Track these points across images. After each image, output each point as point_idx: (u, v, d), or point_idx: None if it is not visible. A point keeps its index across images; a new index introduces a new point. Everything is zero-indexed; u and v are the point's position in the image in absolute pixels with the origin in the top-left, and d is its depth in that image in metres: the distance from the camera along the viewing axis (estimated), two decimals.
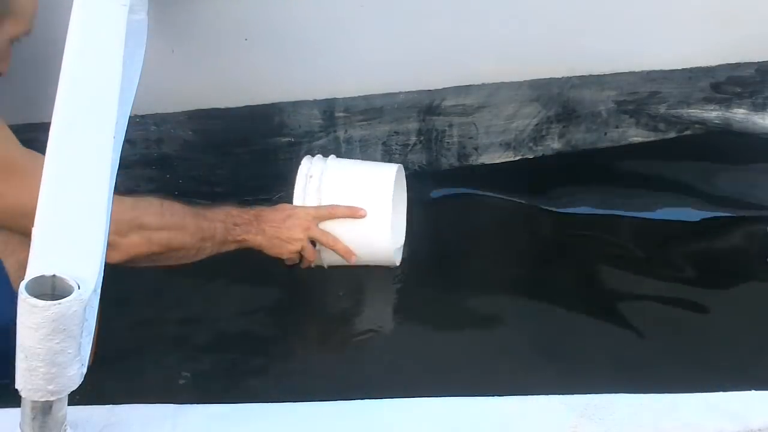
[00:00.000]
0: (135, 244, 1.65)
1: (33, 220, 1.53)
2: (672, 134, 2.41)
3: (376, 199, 1.87)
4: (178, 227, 1.72)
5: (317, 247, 1.88)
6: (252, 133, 2.11)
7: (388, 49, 2.02)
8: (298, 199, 1.89)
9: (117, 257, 1.64)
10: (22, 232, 1.59)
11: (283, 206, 1.88)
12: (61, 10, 1.43)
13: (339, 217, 1.87)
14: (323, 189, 1.88)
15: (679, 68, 2.28)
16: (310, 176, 1.90)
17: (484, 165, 2.32)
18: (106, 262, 1.62)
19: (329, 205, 1.88)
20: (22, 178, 1.56)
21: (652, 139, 2.40)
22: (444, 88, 2.17)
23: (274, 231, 1.83)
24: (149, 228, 1.67)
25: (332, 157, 1.98)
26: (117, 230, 1.61)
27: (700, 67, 2.30)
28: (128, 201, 1.65)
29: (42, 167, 1.49)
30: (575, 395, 1.34)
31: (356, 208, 1.87)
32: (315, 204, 1.88)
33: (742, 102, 2.39)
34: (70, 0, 1.42)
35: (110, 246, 1.58)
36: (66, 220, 1.17)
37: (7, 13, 1.62)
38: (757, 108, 2.39)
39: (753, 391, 1.38)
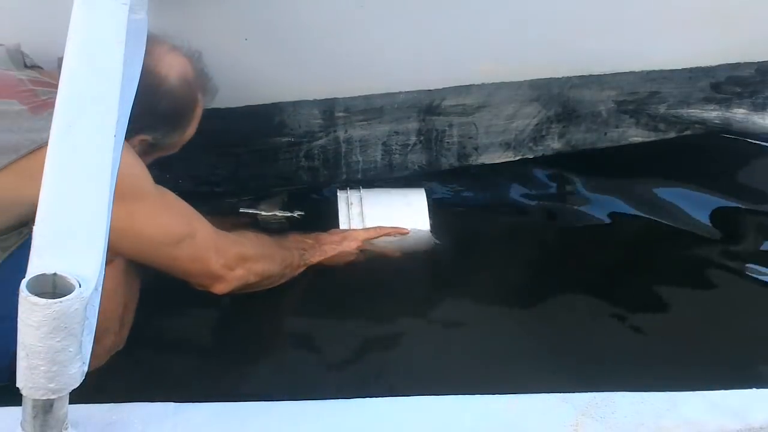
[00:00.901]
0: (239, 277, 1.79)
1: (156, 252, 1.69)
2: (672, 134, 2.41)
3: (413, 219, 2.12)
4: (269, 258, 1.87)
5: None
6: (252, 133, 2.11)
7: (388, 49, 2.02)
8: (343, 224, 2.11)
9: (223, 289, 1.78)
10: (143, 261, 1.72)
11: (336, 230, 2.09)
12: (61, 10, 1.43)
13: (386, 236, 2.11)
14: (365, 213, 2.12)
15: (679, 68, 2.28)
16: (351, 203, 2.13)
17: (484, 165, 2.32)
18: (210, 293, 1.77)
19: (377, 227, 2.11)
20: (151, 208, 1.66)
21: (652, 139, 2.40)
22: (444, 88, 2.16)
23: (334, 250, 2.04)
24: (250, 260, 1.81)
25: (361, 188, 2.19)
26: (226, 264, 1.76)
27: (700, 67, 2.30)
28: (231, 236, 1.81)
29: (171, 203, 1.69)
30: (577, 393, 1.34)
31: (400, 228, 2.12)
32: (359, 227, 2.10)
33: (742, 102, 2.38)
34: (70, 0, 1.42)
35: (219, 279, 1.76)
36: (67, 219, 1.17)
37: (168, 147, 1.83)
38: (757, 108, 2.39)
39: (754, 389, 1.38)
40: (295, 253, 1.96)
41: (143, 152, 1.80)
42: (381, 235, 2.10)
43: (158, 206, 1.68)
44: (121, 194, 1.61)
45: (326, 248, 2.03)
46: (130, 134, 1.73)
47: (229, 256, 1.77)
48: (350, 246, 2.06)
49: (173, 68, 1.76)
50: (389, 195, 2.19)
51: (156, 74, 1.73)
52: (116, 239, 1.63)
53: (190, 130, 1.85)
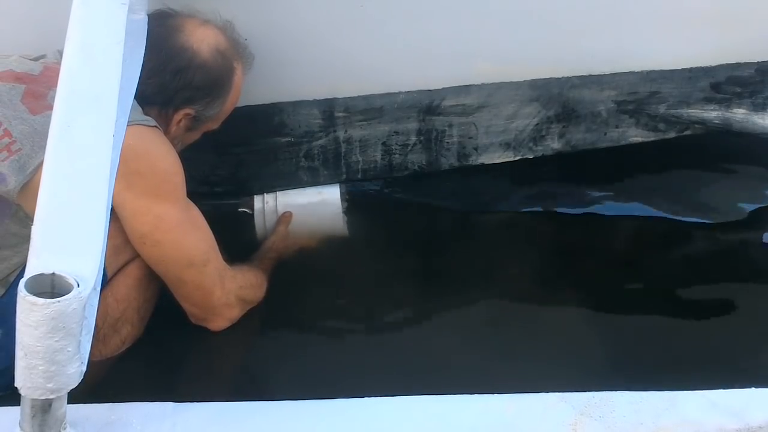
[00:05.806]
0: (235, 317, 1.85)
1: (167, 268, 1.72)
2: (672, 134, 2.41)
3: (325, 208, 2.21)
4: (260, 295, 1.92)
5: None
6: (252, 133, 2.11)
7: (388, 49, 2.02)
8: (258, 219, 2.18)
9: (219, 326, 1.82)
10: (152, 268, 1.73)
11: (270, 242, 2.10)
12: (61, 10, 1.43)
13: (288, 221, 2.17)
14: (279, 205, 2.19)
15: (679, 68, 2.28)
16: (267, 202, 2.19)
17: (483, 165, 2.32)
18: (208, 328, 1.80)
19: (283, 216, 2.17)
20: (178, 220, 1.70)
21: (652, 139, 2.39)
22: (444, 88, 2.16)
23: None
24: (246, 301, 1.86)
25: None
26: (227, 302, 1.80)
27: (700, 67, 2.29)
28: (237, 274, 1.84)
29: (198, 224, 1.73)
30: (576, 393, 1.34)
31: (288, 213, 2.17)
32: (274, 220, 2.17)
33: (742, 102, 2.38)
34: (70, 0, 1.42)
35: (218, 315, 1.81)
36: (66, 218, 1.17)
37: (212, 118, 1.86)
38: (757, 108, 2.39)
39: (753, 389, 1.38)
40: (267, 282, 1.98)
41: (190, 127, 1.85)
42: (287, 222, 2.15)
43: (185, 222, 1.71)
44: (158, 193, 1.65)
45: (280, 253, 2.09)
46: (173, 109, 1.79)
47: (231, 296, 1.81)
48: (289, 246, 2.11)
49: (204, 41, 1.79)
50: (303, 191, 2.23)
51: (188, 49, 1.77)
52: (137, 239, 1.66)
53: (232, 99, 1.88)
